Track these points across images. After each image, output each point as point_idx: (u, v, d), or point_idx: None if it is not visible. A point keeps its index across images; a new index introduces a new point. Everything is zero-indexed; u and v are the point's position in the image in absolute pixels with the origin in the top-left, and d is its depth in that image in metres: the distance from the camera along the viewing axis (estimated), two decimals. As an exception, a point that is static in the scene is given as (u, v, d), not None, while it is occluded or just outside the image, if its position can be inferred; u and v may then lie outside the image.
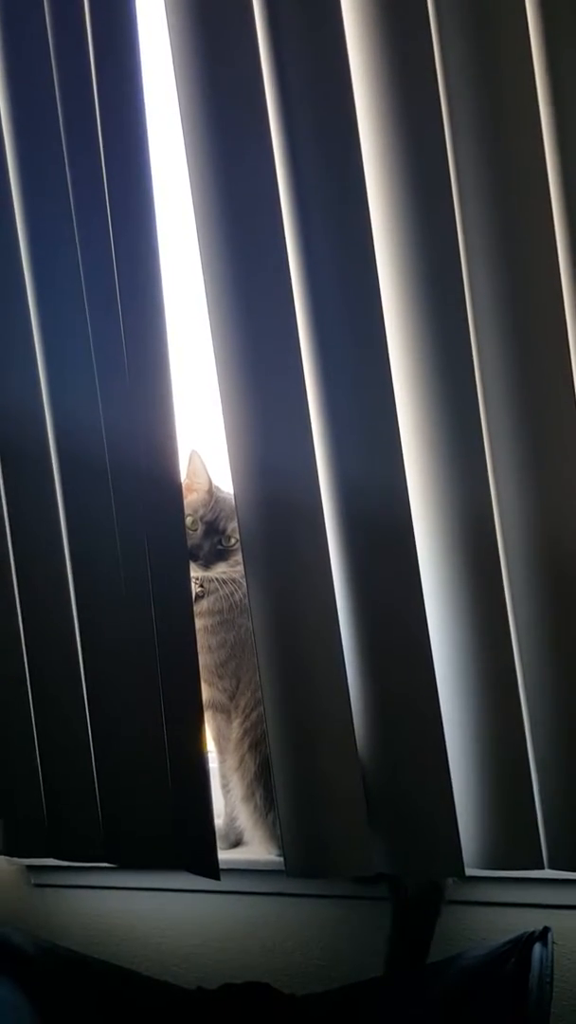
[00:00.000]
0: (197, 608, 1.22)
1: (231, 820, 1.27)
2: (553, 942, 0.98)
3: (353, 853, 1.09)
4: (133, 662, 1.16)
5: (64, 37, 1.14)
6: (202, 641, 1.22)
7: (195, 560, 1.22)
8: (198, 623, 1.19)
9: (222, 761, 1.27)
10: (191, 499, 1.25)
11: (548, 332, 1.00)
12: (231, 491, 1.14)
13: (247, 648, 1.23)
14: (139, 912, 1.35)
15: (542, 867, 1.04)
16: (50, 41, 1.14)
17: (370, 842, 1.08)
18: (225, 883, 1.14)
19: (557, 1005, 0.95)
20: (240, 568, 1.17)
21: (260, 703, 1.14)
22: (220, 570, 1.23)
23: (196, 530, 1.23)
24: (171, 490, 1.12)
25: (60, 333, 1.18)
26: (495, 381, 1.03)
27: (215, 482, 1.27)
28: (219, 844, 1.16)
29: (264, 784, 1.19)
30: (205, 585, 1.25)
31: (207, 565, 1.23)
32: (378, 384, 1.05)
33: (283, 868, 1.11)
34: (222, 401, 1.11)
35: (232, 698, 1.25)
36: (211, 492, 1.26)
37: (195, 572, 1.22)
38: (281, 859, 1.12)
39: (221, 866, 1.12)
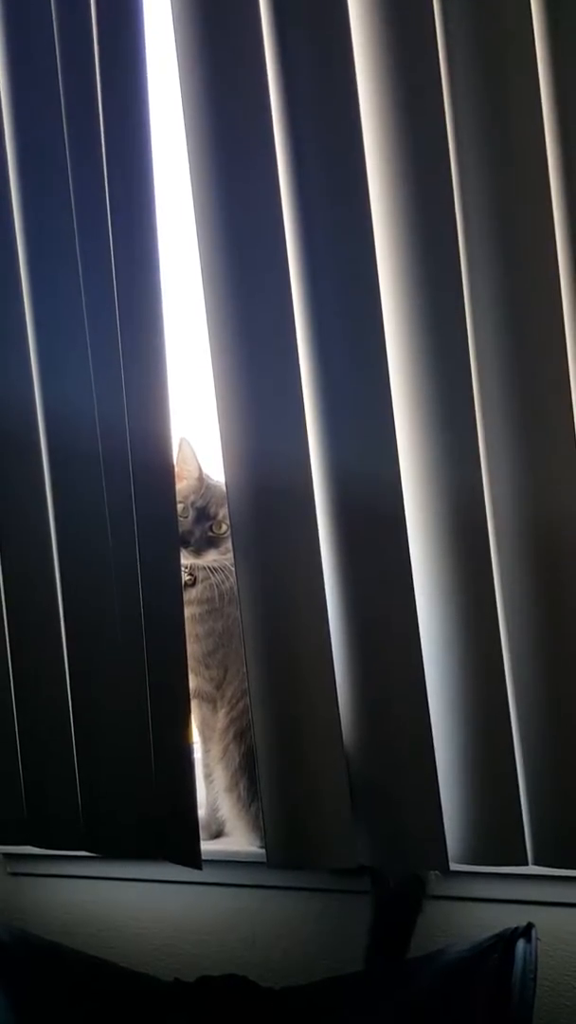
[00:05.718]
0: (186, 596, 1.20)
1: (213, 810, 1.26)
2: (537, 938, 0.97)
3: (336, 845, 1.08)
4: (119, 649, 1.15)
5: (70, 43, 1.14)
6: (190, 629, 1.21)
7: (186, 546, 1.21)
8: (186, 611, 1.17)
9: (206, 751, 1.26)
10: (181, 486, 1.24)
11: (543, 319, 1.00)
12: (220, 480, 1.13)
13: (235, 637, 1.22)
14: (116, 902, 1.33)
15: (526, 863, 1.03)
16: (56, 47, 1.14)
17: (353, 834, 1.08)
18: (205, 874, 1.13)
19: (540, 1002, 0.94)
20: (230, 556, 1.16)
21: (246, 693, 1.13)
22: (211, 558, 1.22)
23: (187, 517, 1.22)
24: (163, 476, 1.12)
25: (55, 317, 1.18)
26: (489, 367, 1.02)
27: (205, 470, 1.26)
28: (200, 834, 1.14)
29: (248, 775, 1.18)
30: (195, 573, 1.24)
31: (198, 552, 1.22)
32: (373, 371, 1.05)
33: (264, 860, 1.11)
34: (216, 386, 1.10)
35: (218, 688, 1.24)
36: (201, 479, 1.25)
37: (185, 560, 1.21)
38: (263, 850, 1.12)
39: (202, 856, 1.11)
